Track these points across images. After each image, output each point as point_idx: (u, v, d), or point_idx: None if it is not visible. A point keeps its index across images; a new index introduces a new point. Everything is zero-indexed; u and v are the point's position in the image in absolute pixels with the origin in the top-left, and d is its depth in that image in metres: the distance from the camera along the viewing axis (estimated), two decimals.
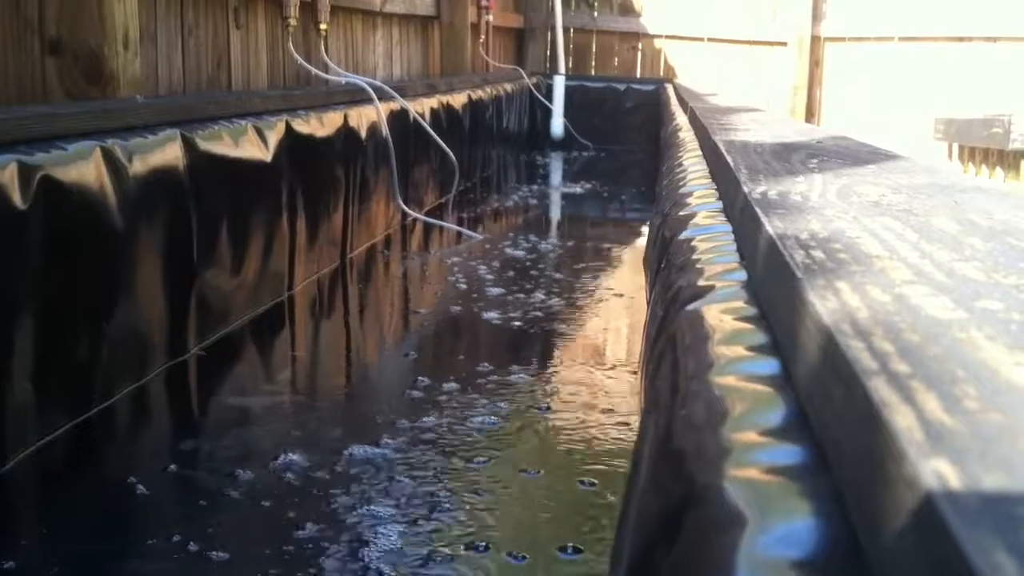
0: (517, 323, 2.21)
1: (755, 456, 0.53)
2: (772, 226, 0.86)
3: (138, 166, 1.71)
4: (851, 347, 0.50)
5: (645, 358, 1.26)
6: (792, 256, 0.72)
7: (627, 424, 1.61)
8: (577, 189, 4.85)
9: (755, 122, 2.57)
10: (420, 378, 1.80)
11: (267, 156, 2.25)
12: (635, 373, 1.86)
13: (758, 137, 1.97)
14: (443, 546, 1.19)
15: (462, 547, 1.19)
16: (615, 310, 2.44)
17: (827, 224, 0.88)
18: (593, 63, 7.23)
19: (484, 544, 1.20)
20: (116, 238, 1.64)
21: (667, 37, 7.12)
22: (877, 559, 0.39)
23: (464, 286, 2.58)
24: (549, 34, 7.04)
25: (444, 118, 3.98)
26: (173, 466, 1.43)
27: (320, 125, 2.61)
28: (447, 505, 1.30)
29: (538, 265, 2.90)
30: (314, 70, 3.03)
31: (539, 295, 2.47)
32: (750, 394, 0.62)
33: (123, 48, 1.95)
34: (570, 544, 1.21)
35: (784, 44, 6.84)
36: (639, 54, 7.20)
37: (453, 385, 1.75)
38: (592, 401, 1.73)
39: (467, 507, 1.29)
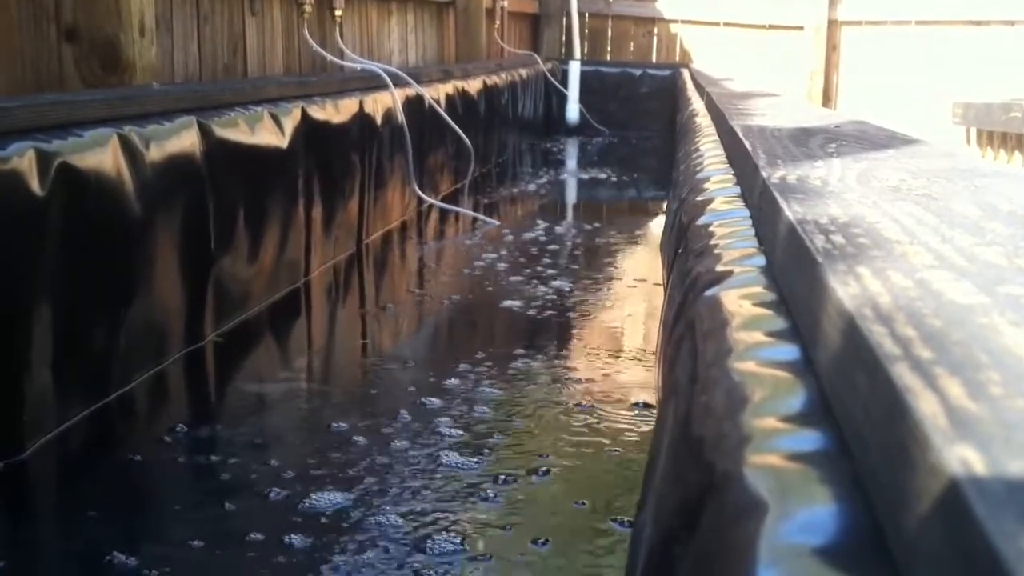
0: (533, 309, 2.21)
1: (776, 443, 0.53)
2: (791, 211, 0.85)
3: (155, 153, 1.71)
4: (873, 332, 0.49)
5: (663, 345, 1.25)
6: (812, 241, 0.72)
7: (645, 411, 1.61)
8: (593, 175, 4.84)
9: (772, 107, 2.56)
10: (435, 363, 1.80)
11: (283, 143, 2.26)
12: (652, 359, 1.86)
13: (775, 122, 1.96)
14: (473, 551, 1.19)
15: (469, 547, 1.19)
16: (631, 296, 2.43)
17: (847, 209, 0.87)
18: (608, 48, 7.20)
19: (486, 554, 1.20)
20: (133, 225, 1.65)
21: (683, 22, 7.09)
22: (900, 545, 0.39)
23: (480, 272, 2.58)
24: (564, 19, 7.02)
25: (459, 104, 3.97)
26: (190, 451, 1.43)
27: (336, 112, 2.61)
28: (455, 496, 1.30)
29: (554, 251, 2.89)
30: (329, 56, 3.02)
31: (555, 282, 2.47)
32: (770, 380, 0.61)
33: (139, 36, 1.95)
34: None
35: (801, 28, 6.80)
36: (655, 39, 7.17)
37: (469, 370, 1.75)
38: (608, 388, 1.73)
39: (479, 498, 1.30)
